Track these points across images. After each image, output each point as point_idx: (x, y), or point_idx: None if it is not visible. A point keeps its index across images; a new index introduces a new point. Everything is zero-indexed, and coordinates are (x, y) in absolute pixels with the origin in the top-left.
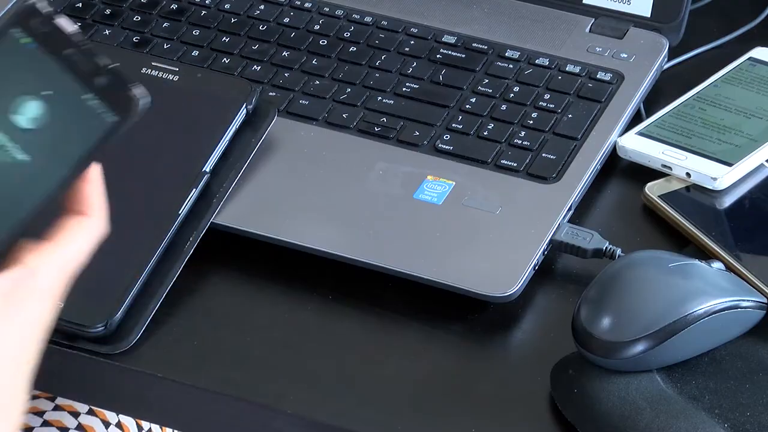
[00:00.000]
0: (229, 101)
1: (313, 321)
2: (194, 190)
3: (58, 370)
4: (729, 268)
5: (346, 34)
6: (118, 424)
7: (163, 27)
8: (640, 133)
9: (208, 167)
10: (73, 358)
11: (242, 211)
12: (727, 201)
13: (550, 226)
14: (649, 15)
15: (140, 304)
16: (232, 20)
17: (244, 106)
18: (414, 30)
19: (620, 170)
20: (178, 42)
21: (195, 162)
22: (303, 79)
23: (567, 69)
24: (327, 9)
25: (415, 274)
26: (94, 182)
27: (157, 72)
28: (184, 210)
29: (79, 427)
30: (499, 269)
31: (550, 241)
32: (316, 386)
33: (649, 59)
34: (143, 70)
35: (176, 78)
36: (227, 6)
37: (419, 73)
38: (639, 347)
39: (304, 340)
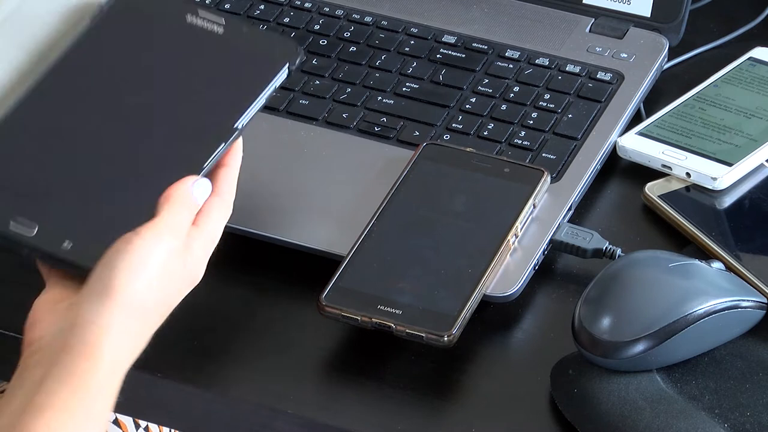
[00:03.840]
0: (272, 59)
1: (312, 321)
2: (223, 144)
3: None
4: (729, 268)
5: (346, 34)
6: (115, 421)
7: None
8: (640, 133)
9: (240, 124)
10: None
11: (242, 211)
12: (727, 201)
13: (550, 226)
14: (649, 15)
15: None
16: None
17: (287, 66)
18: (414, 30)
19: (620, 170)
20: None
21: (228, 117)
22: (303, 79)
23: (567, 69)
24: (327, 9)
25: None
26: (231, 168)
27: (202, 21)
28: (208, 164)
29: None
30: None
31: (550, 241)
32: (317, 386)
33: (649, 59)
34: (188, 18)
35: (221, 30)
36: (227, 6)
37: (419, 73)
38: (639, 347)
39: (304, 340)
